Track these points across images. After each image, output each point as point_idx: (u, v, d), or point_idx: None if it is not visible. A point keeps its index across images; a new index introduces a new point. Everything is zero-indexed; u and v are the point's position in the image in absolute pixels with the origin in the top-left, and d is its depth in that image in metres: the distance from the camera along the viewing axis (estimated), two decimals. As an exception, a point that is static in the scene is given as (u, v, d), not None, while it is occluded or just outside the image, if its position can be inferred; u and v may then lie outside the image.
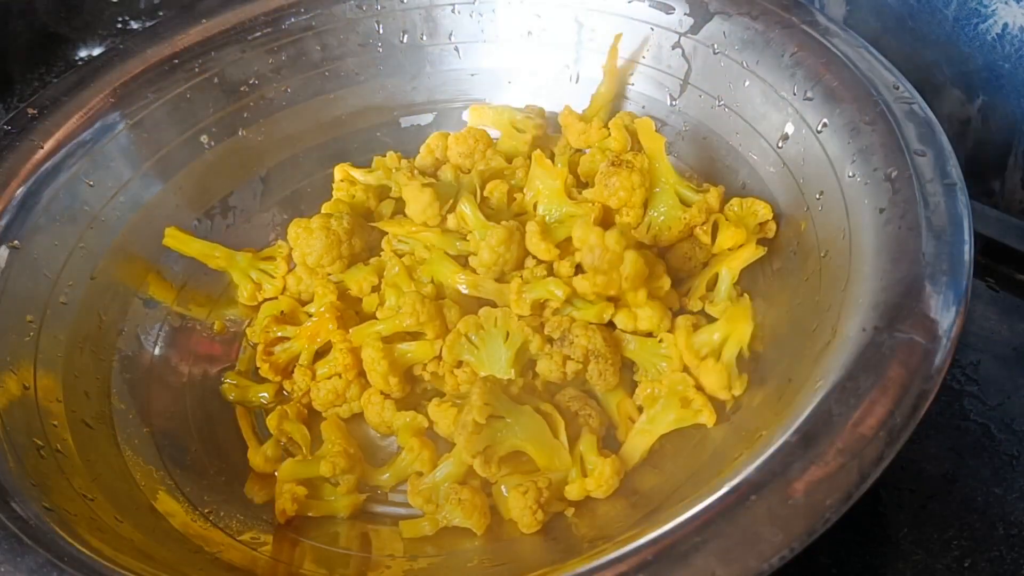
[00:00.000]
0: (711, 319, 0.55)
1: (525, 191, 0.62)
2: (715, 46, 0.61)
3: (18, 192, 0.58)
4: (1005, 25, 0.57)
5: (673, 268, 0.58)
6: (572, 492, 0.50)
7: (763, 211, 0.58)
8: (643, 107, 0.67)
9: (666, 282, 0.55)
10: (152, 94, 0.65)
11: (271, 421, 0.57)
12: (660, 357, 0.54)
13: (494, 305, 0.58)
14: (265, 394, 0.60)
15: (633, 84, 0.67)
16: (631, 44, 0.66)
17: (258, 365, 0.60)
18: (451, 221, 0.62)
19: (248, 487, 0.56)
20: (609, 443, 0.53)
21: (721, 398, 0.52)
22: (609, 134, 0.65)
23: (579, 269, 0.58)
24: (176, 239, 0.63)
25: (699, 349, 0.53)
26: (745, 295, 0.55)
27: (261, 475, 0.56)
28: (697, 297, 0.57)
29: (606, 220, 0.60)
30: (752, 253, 0.56)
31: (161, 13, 0.91)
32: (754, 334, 0.53)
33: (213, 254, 0.64)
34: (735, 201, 0.58)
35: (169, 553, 0.47)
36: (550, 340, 0.54)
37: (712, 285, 0.57)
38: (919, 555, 0.49)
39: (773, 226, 0.57)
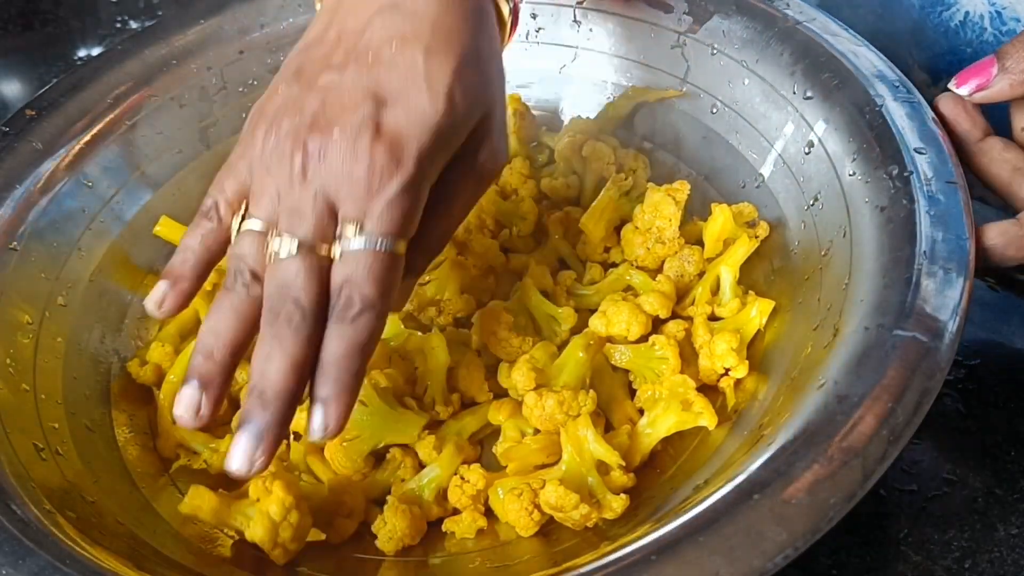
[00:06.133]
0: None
1: None
2: (714, 45, 0.61)
3: (16, 194, 0.58)
4: (967, 13, 0.60)
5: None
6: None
7: (747, 211, 0.58)
8: (643, 106, 0.67)
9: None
10: (151, 95, 0.65)
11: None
12: (656, 360, 0.54)
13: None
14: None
15: (632, 84, 0.67)
16: (630, 43, 0.66)
17: None
18: None
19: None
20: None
21: (726, 366, 0.52)
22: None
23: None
24: (169, 228, 0.62)
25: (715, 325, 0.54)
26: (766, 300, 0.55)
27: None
28: (704, 302, 0.56)
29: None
30: (747, 246, 0.56)
31: (160, 13, 0.91)
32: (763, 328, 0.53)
33: None
34: (714, 208, 0.58)
35: (170, 555, 0.47)
36: None
37: (716, 289, 0.57)
38: (919, 556, 0.49)
39: (765, 226, 0.57)
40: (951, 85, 0.51)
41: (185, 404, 0.42)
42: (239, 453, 0.40)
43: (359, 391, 0.42)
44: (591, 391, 0.51)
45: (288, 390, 0.41)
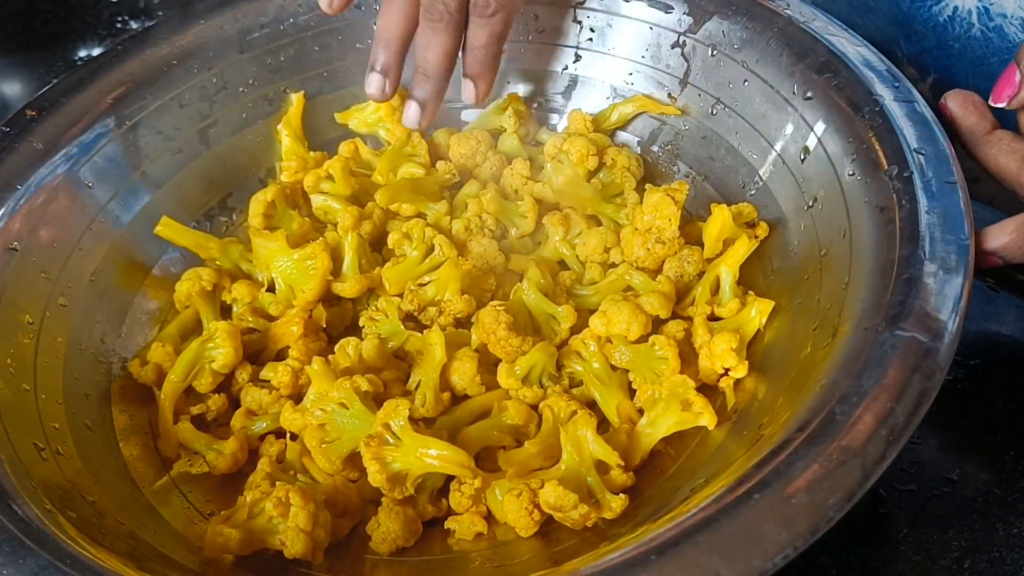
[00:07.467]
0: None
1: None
2: (714, 45, 0.61)
3: (17, 194, 0.58)
4: (955, 8, 0.60)
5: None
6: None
7: (747, 211, 0.58)
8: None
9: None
10: (151, 95, 0.65)
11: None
12: (656, 360, 0.54)
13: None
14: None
15: (632, 84, 0.67)
16: (630, 43, 0.66)
17: None
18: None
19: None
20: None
21: (726, 366, 0.52)
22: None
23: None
24: (169, 228, 0.62)
25: (715, 325, 0.54)
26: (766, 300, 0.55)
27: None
28: (704, 303, 0.57)
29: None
30: (746, 246, 0.56)
31: (160, 13, 0.91)
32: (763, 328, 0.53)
33: (207, 244, 0.63)
34: (714, 208, 0.57)
35: (171, 554, 0.47)
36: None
37: (716, 289, 0.57)
38: (919, 556, 0.49)
39: (765, 226, 0.57)
40: (990, 103, 0.52)
41: (375, 85, 0.59)
42: (411, 115, 0.60)
43: (497, 70, 0.60)
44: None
45: (442, 69, 0.58)
